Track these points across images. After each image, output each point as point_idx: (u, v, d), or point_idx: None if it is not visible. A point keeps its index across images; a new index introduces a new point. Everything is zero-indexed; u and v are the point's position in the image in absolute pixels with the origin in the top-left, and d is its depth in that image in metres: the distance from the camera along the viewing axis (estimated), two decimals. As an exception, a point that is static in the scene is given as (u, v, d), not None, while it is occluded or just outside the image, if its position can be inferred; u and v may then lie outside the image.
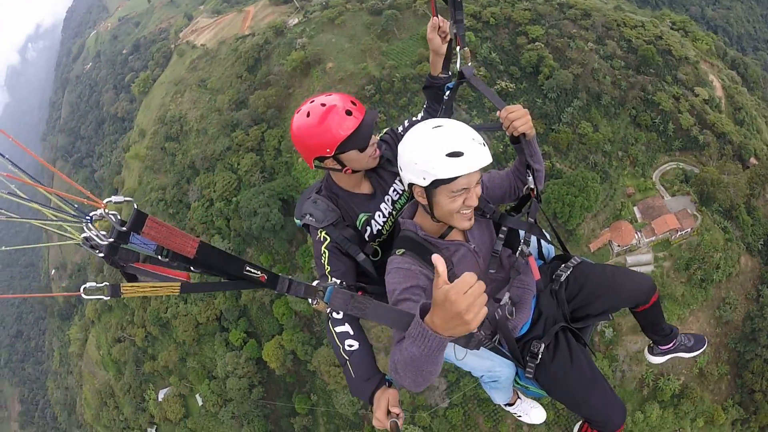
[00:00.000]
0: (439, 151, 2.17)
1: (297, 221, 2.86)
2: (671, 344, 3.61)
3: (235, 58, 66.78)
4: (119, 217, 1.51)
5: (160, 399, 56.92)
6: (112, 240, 1.53)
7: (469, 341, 2.24)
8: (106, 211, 1.49)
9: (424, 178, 2.23)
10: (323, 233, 2.69)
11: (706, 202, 47.22)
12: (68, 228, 1.55)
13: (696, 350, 3.66)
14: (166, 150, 65.96)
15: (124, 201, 1.55)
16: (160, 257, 1.62)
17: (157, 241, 1.55)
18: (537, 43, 54.22)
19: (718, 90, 56.30)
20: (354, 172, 2.73)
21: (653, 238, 45.94)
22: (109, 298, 1.63)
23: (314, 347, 46.32)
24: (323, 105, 2.53)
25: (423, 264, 2.38)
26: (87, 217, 1.54)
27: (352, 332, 2.47)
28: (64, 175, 1.63)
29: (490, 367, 2.84)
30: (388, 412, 2.22)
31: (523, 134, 2.71)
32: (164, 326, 57.30)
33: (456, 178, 2.20)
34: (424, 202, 2.36)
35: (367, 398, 2.34)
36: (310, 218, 2.71)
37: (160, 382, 58.54)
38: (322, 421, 47.76)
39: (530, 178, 2.82)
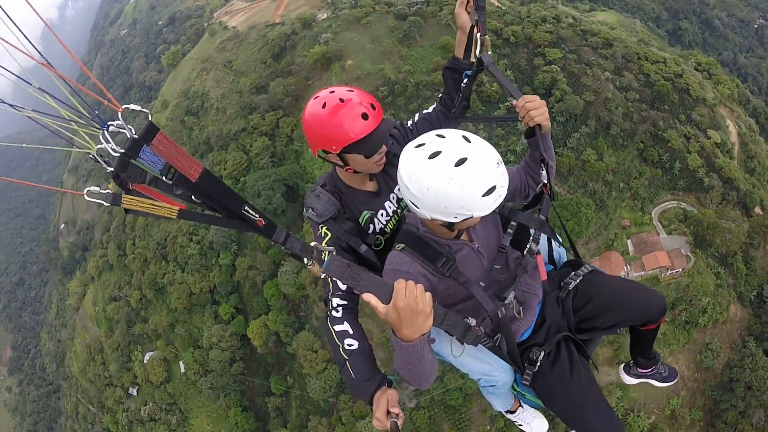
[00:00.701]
0: (476, 194, 2.05)
1: (305, 213, 2.81)
2: (650, 369, 3.49)
3: (263, 44, 68.11)
4: (133, 132, 1.51)
5: (145, 361, 58.31)
6: (123, 151, 1.51)
7: (465, 335, 2.18)
8: (123, 115, 1.49)
9: (456, 217, 2.15)
10: (324, 229, 2.61)
11: (701, 244, 46.73)
12: (84, 135, 1.51)
13: (669, 381, 3.57)
14: (184, 123, 67.34)
15: (140, 110, 1.59)
16: (165, 178, 1.60)
17: (164, 156, 1.53)
18: (553, 66, 54.44)
19: (734, 136, 55.73)
20: (356, 172, 2.64)
21: (642, 273, 45.75)
22: (109, 204, 1.60)
23: (296, 331, 47.23)
24: (341, 100, 2.38)
25: (423, 261, 2.31)
26: (105, 126, 1.51)
27: (351, 331, 2.42)
28: (94, 77, 1.59)
29: (488, 371, 2.76)
30: (388, 413, 2.18)
31: (539, 126, 2.61)
32: (159, 291, 58.74)
33: None
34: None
35: (368, 399, 2.27)
36: (312, 212, 2.64)
37: (148, 345, 59.88)
38: (295, 405, 48.65)
39: (543, 173, 2.65)
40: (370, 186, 2.79)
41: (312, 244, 2.02)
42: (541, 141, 2.64)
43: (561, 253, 3.09)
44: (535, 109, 2.57)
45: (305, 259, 1.97)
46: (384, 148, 2.55)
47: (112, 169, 1.55)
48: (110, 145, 1.49)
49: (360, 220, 2.75)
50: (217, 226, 1.82)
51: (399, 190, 2.52)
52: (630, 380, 3.63)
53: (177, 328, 56.62)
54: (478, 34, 2.72)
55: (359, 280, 1.81)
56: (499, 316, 2.36)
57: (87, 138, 1.51)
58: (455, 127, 2.51)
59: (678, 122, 53.15)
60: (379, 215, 2.79)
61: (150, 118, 1.52)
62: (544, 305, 2.77)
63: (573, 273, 2.84)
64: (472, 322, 2.41)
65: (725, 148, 53.21)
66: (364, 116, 2.37)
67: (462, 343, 2.48)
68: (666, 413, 42.37)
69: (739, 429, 41.38)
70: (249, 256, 52.51)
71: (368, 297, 1.77)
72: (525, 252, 2.59)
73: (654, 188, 51.32)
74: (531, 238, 2.61)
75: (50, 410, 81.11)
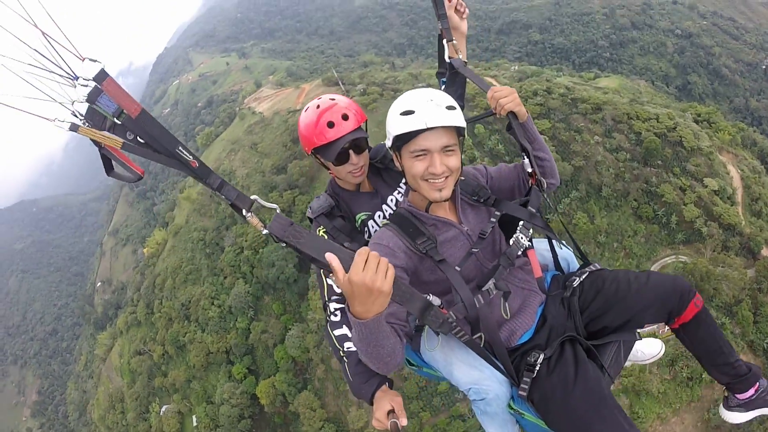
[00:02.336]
0: (396, 111, 2.06)
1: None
2: (751, 392, 2.41)
3: (284, 128, 74.82)
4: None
5: (161, 413, 60.99)
6: (85, 98, 1.56)
7: (424, 314, 1.81)
8: (86, 63, 1.52)
9: (389, 139, 2.13)
10: (321, 230, 2.62)
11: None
12: (54, 90, 1.53)
13: None
14: (213, 198, 73.69)
15: (97, 62, 1.55)
16: (116, 119, 1.62)
17: (112, 96, 1.58)
18: (542, 136, 56.97)
19: (736, 180, 53.04)
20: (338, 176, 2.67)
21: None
22: (67, 130, 1.56)
23: (298, 390, 49.99)
24: (318, 107, 2.54)
25: (406, 237, 2.16)
26: (76, 77, 1.54)
27: (350, 334, 2.35)
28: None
29: (477, 379, 2.18)
30: (389, 413, 2.11)
31: (513, 115, 2.46)
32: (180, 348, 62.43)
33: (413, 137, 2.04)
34: (401, 168, 2.21)
35: (368, 399, 2.23)
36: (309, 210, 2.70)
37: (165, 398, 62.81)
38: (296, 461, 49.98)
39: (526, 161, 2.46)
40: (366, 188, 2.76)
41: (252, 196, 1.83)
42: (519, 130, 2.47)
43: (569, 260, 2.68)
44: (504, 97, 2.42)
45: (243, 211, 1.77)
46: (358, 160, 2.55)
47: (82, 120, 1.59)
48: (81, 93, 1.56)
49: (356, 223, 2.72)
50: (155, 161, 1.71)
51: (397, 192, 2.70)
52: (735, 417, 2.51)
53: (193, 383, 59.77)
54: (445, 41, 2.70)
55: (299, 238, 1.61)
56: (477, 305, 2.07)
57: (60, 91, 1.56)
58: None
59: (672, 175, 51.25)
60: (376, 217, 2.74)
61: (102, 67, 1.56)
62: (546, 306, 2.38)
63: (578, 270, 2.50)
64: (436, 301, 2.00)
65: (725, 195, 50.30)
66: (330, 124, 2.47)
67: (436, 334, 2.23)
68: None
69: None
70: (263, 321, 56.16)
71: (331, 258, 1.51)
72: (511, 242, 2.30)
73: (651, 244, 49.09)
74: (518, 228, 2.33)
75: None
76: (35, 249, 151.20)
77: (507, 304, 2.25)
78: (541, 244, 2.68)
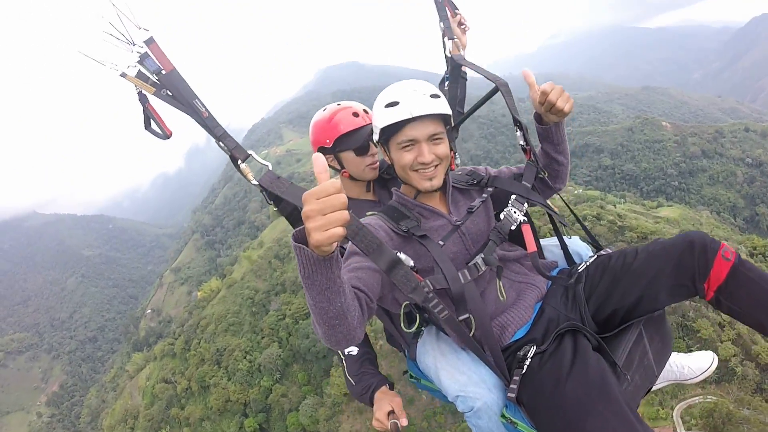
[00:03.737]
0: (381, 104, 1.96)
1: None
2: None
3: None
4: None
5: (168, 442, 64.80)
6: (138, 60, 1.81)
7: (407, 285, 1.67)
8: (142, 29, 1.78)
9: (376, 133, 2.03)
10: None
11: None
12: (115, 50, 1.79)
13: None
14: (271, 264, 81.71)
15: (150, 34, 1.81)
16: (155, 76, 1.84)
17: (156, 55, 1.82)
18: None
19: None
20: (352, 178, 2.59)
21: None
22: (118, 75, 1.82)
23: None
24: (338, 104, 2.58)
25: (389, 220, 2.00)
26: (134, 43, 1.79)
27: None
28: None
29: (464, 384, 1.88)
30: (389, 414, 2.07)
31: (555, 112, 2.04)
32: (204, 388, 67.33)
33: (400, 128, 1.92)
34: (390, 162, 2.08)
35: (367, 400, 2.21)
36: None
37: (175, 429, 66.59)
38: None
39: (519, 134, 2.17)
40: (369, 196, 2.71)
41: (249, 151, 1.94)
42: (554, 128, 2.15)
43: (582, 253, 2.32)
44: (560, 95, 2.01)
45: (239, 161, 1.87)
46: (375, 152, 2.52)
47: (134, 73, 1.85)
48: (137, 56, 1.83)
49: None
50: (177, 109, 1.86)
51: None
52: None
53: (205, 423, 63.51)
54: (445, 39, 2.63)
55: (282, 188, 1.75)
56: (462, 280, 1.86)
57: (116, 55, 1.81)
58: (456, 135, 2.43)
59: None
60: None
61: (151, 35, 1.82)
62: (546, 298, 2.07)
63: (587, 256, 2.18)
64: (408, 261, 1.83)
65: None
66: (355, 114, 2.51)
67: (436, 331, 2.07)
68: None
69: None
70: (286, 386, 60.16)
71: (305, 194, 1.30)
72: (502, 216, 2.09)
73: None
74: (510, 202, 2.11)
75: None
76: (101, 261, 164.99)
77: (502, 284, 2.00)
78: (550, 242, 2.44)
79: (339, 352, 2.34)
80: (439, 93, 1.97)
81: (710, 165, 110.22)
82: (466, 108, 2.66)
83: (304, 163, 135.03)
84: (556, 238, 2.38)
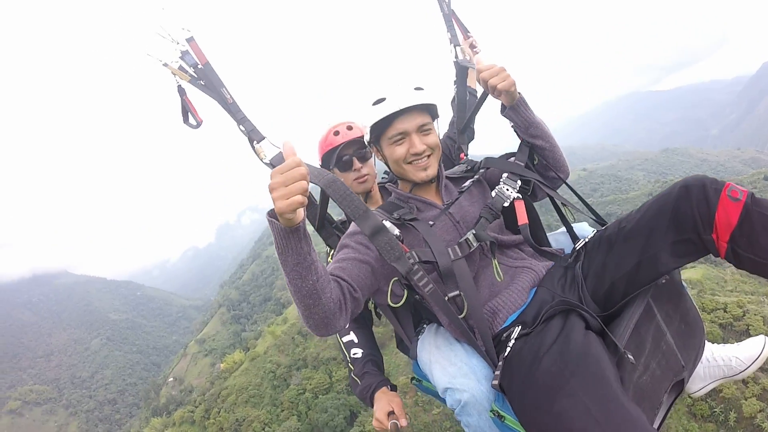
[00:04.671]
0: (368, 104, 1.95)
1: None
2: None
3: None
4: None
5: None
6: (180, 56, 2.06)
7: (391, 253, 1.66)
8: (184, 29, 2.03)
9: (367, 134, 2.01)
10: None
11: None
12: (164, 45, 2.04)
13: None
14: (294, 340, 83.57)
15: (191, 34, 2.05)
16: (193, 69, 2.08)
17: (195, 51, 2.07)
18: None
19: None
20: None
21: None
22: (162, 65, 2.09)
23: None
24: (329, 124, 2.66)
25: (384, 213, 1.96)
26: (177, 42, 2.06)
27: (356, 340, 2.38)
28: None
29: (453, 376, 1.76)
30: (389, 414, 2.04)
31: (500, 93, 1.97)
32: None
33: (389, 123, 1.91)
34: (383, 160, 2.08)
35: (368, 400, 2.20)
36: None
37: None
38: None
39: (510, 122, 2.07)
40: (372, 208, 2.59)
41: (265, 138, 2.08)
42: (510, 114, 2.04)
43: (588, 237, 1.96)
44: (495, 75, 1.93)
45: (254, 142, 2.03)
46: (362, 167, 2.52)
47: (177, 65, 2.11)
48: (183, 50, 2.09)
49: None
50: (208, 95, 2.08)
51: None
52: None
53: None
54: (452, 45, 2.72)
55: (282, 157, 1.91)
56: (451, 256, 1.79)
57: (164, 49, 2.07)
58: (464, 140, 2.66)
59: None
60: None
61: (191, 34, 2.06)
62: (541, 281, 1.88)
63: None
64: (393, 230, 1.79)
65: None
66: (335, 133, 2.55)
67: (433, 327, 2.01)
68: None
69: None
70: None
71: (285, 144, 1.49)
72: (494, 194, 2.02)
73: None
74: (501, 180, 2.04)
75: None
76: (126, 326, 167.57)
77: (497, 262, 1.89)
78: (558, 233, 2.30)
79: (347, 356, 2.32)
80: (423, 86, 1.95)
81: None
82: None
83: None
84: (564, 228, 2.17)
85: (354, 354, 2.34)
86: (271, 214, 1.40)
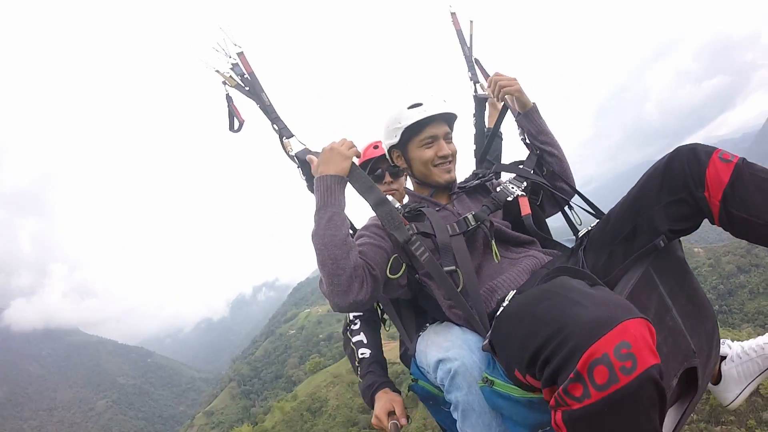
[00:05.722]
0: (403, 106, 2.06)
1: None
2: None
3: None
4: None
5: None
6: (231, 68, 2.18)
7: (391, 222, 1.77)
8: (237, 45, 2.18)
9: (396, 135, 2.08)
10: None
11: None
12: (217, 58, 2.17)
13: None
14: (302, 417, 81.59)
15: (241, 49, 2.19)
16: (240, 78, 2.19)
17: (243, 63, 2.19)
18: None
19: None
20: None
21: None
22: (214, 71, 2.19)
23: None
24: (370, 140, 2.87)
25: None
26: (229, 55, 2.19)
27: (365, 341, 2.41)
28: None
29: (446, 350, 1.71)
30: (389, 414, 2.01)
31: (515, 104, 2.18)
32: None
33: (422, 127, 2.03)
34: (404, 165, 2.15)
35: (369, 398, 2.18)
36: None
37: None
38: None
39: (519, 130, 2.26)
40: None
41: (294, 137, 2.17)
42: (521, 120, 2.19)
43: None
44: (507, 82, 2.14)
45: (283, 138, 2.15)
46: (392, 182, 2.75)
47: (229, 73, 2.20)
48: (232, 62, 2.20)
49: None
50: (250, 98, 2.18)
51: None
52: None
53: None
54: (472, 82, 2.77)
55: (306, 151, 2.07)
56: (449, 231, 1.84)
57: (217, 63, 2.17)
58: (484, 167, 2.54)
59: (746, 430, 36.16)
60: None
61: (243, 51, 2.21)
62: (544, 265, 1.87)
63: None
64: (390, 198, 1.88)
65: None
66: (375, 147, 2.76)
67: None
68: None
69: None
70: None
71: (310, 157, 1.96)
72: (498, 189, 2.09)
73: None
74: (508, 179, 2.14)
75: None
76: (134, 391, 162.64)
77: (494, 242, 1.91)
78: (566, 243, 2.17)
79: (355, 356, 2.34)
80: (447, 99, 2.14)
81: (748, 279, 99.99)
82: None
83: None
84: (571, 232, 2.14)
85: (362, 354, 2.35)
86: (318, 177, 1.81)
